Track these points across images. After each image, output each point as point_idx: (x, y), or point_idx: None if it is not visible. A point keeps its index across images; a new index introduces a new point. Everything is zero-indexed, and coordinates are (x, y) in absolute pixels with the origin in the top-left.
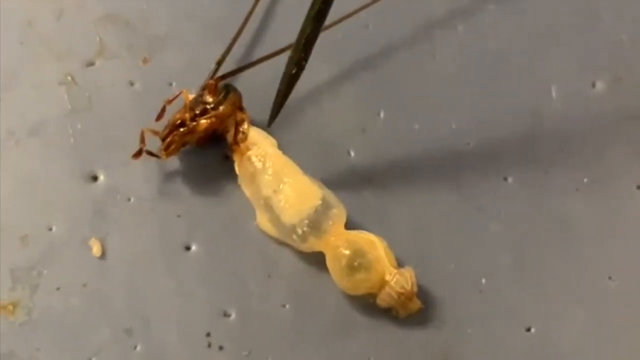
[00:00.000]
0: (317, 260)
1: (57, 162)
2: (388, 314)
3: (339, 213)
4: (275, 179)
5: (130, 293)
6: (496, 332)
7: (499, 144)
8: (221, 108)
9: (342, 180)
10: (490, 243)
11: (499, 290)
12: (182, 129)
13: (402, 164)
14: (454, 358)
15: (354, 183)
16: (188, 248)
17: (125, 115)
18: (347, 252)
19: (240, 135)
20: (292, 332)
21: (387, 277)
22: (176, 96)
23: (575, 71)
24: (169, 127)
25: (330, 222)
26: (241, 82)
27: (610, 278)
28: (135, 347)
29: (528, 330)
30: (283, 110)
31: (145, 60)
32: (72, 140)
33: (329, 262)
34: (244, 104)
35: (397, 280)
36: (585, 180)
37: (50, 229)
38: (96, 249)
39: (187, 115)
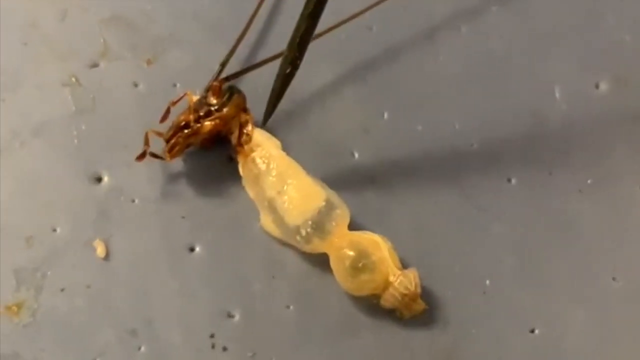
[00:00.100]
0: (321, 261)
1: (61, 163)
2: (392, 315)
3: (342, 214)
4: (279, 180)
5: (135, 294)
6: (500, 333)
7: (502, 144)
8: (225, 110)
9: (346, 181)
10: (494, 244)
11: (502, 291)
12: (186, 131)
13: (406, 164)
14: (458, 359)
15: (357, 184)
16: (192, 249)
17: (129, 116)
18: (351, 253)
19: (244, 137)
20: (296, 332)
21: (391, 278)
22: (180, 98)
23: (579, 72)
24: (173, 129)
25: (334, 223)
26: (245, 84)
27: (614, 279)
28: (139, 348)
29: (532, 331)
30: (287, 112)
31: (149, 62)
32: (76, 141)
33: (332, 263)
34: (248, 106)
35: (401, 281)
36: (588, 181)
37: (55, 230)
38: (100, 250)
39: (191, 117)
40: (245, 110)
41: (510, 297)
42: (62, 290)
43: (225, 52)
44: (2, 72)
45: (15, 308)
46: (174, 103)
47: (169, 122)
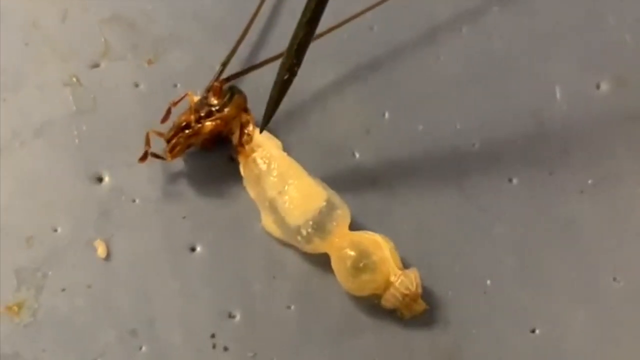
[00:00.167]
0: (322, 261)
1: (62, 163)
2: (393, 315)
3: (343, 214)
4: (280, 180)
5: (135, 294)
6: (501, 334)
7: (503, 145)
8: (226, 110)
9: (347, 181)
10: (495, 244)
11: (503, 292)
12: (187, 131)
13: (407, 165)
14: (459, 359)
15: (358, 184)
16: (193, 249)
17: (130, 116)
18: (352, 253)
19: (245, 137)
20: (297, 333)
21: (392, 278)
22: (181, 98)
23: (580, 72)
24: (174, 129)
25: (335, 223)
26: (246, 84)
27: (615, 279)
28: (140, 348)
29: (533, 331)
30: (288, 112)
31: (150, 62)
32: (77, 141)
33: (334, 263)
34: (249, 106)
35: (402, 281)
36: (589, 181)
37: (55, 230)
38: (101, 250)
39: (192, 117)
40: (246, 110)
41: (511, 297)
42: (63, 290)
43: (226, 52)
44: (3, 72)
45: (15, 308)
46: (175, 103)
47: (169, 123)
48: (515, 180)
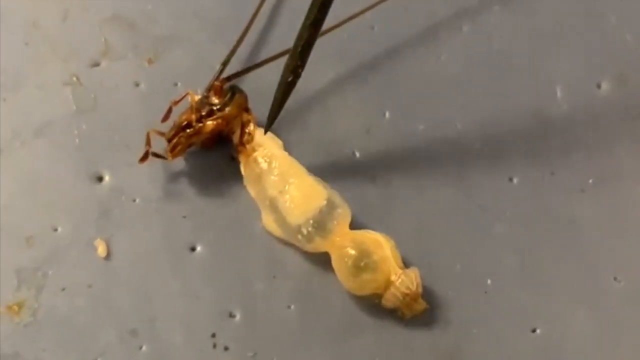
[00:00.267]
0: (322, 260)
1: (63, 163)
2: (393, 314)
3: (343, 213)
4: (281, 179)
5: (136, 294)
6: (501, 333)
7: (504, 144)
8: (227, 109)
9: (348, 181)
10: (496, 243)
11: (504, 291)
12: (188, 131)
13: (407, 164)
14: (460, 359)
15: (359, 183)
16: (193, 249)
17: (131, 115)
18: (353, 252)
19: (246, 137)
20: (297, 332)
21: (393, 278)
22: (182, 97)
23: (581, 71)
24: (174, 129)
25: (335, 222)
26: (247, 83)
27: (615, 279)
28: (140, 348)
29: (533, 331)
30: (289, 112)
31: (150, 61)
32: (77, 140)
33: (334, 263)
34: (250, 105)
35: (402, 280)
36: (590, 180)
37: (56, 230)
38: (101, 250)
39: (193, 117)
40: (247, 109)
41: (512, 296)
42: (63, 289)
43: (227, 51)
44: (3, 71)
45: (16, 308)
46: (176, 103)
47: (170, 122)
48: (515, 180)
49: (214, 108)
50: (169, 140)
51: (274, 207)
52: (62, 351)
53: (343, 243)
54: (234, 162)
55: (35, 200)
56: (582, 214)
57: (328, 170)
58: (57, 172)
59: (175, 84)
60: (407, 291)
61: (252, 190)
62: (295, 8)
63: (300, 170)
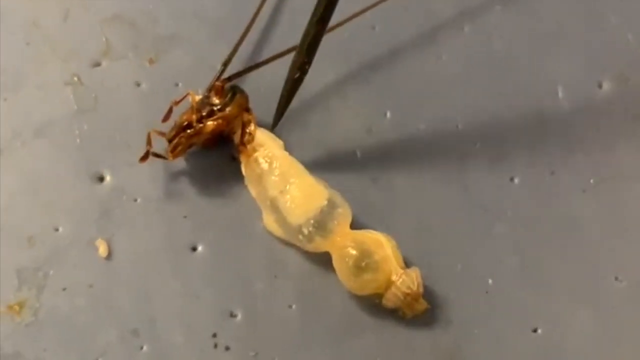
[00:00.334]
0: (323, 260)
1: (63, 163)
2: (394, 314)
3: (344, 213)
4: (282, 179)
5: (137, 293)
6: (503, 333)
7: (505, 144)
8: (228, 110)
9: (349, 181)
10: (497, 243)
11: (505, 291)
12: (188, 131)
13: (408, 164)
14: (461, 359)
15: (359, 183)
16: (194, 249)
17: (132, 115)
18: (354, 252)
19: (247, 137)
20: (298, 332)
21: (394, 278)
22: (183, 97)
23: (582, 71)
24: (175, 129)
25: (336, 222)
26: (248, 83)
27: (616, 279)
28: (141, 348)
29: (534, 331)
30: (289, 112)
31: (151, 61)
32: (78, 140)
33: (335, 263)
34: (251, 105)
35: (403, 280)
36: (591, 180)
37: (57, 230)
38: (102, 250)
39: (194, 117)
40: (247, 110)
41: (513, 296)
42: (64, 289)
43: (228, 51)
44: (4, 71)
45: (17, 307)
46: (177, 103)
47: (171, 122)
48: (517, 180)
49: (215, 108)
50: (170, 141)
51: (274, 207)
52: (63, 351)
53: (344, 243)
54: (235, 162)
55: (36, 200)
56: (583, 213)
57: (329, 170)
58: (58, 172)
59: (176, 84)
60: (408, 291)
61: (252, 190)
62: (296, 8)
63: (301, 170)
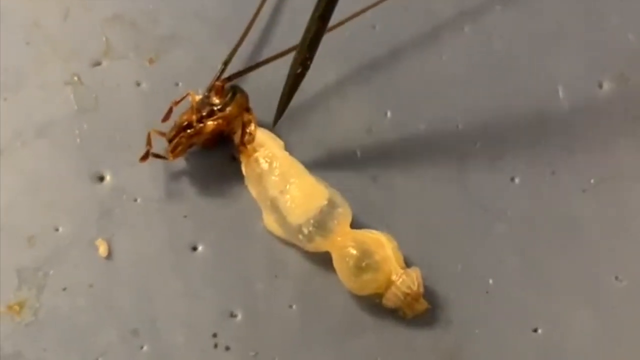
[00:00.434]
0: (323, 260)
1: (64, 163)
2: (395, 314)
3: (344, 212)
4: (282, 179)
5: (137, 293)
6: (503, 333)
7: (505, 144)
8: (228, 109)
9: (349, 180)
10: (497, 243)
11: (506, 291)
12: (188, 131)
13: (409, 164)
14: (461, 359)
15: (360, 183)
16: (195, 248)
17: (132, 115)
18: (354, 252)
19: (247, 137)
20: (299, 332)
21: (394, 278)
22: (183, 97)
23: (582, 71)
24: (175, 129)
25: (336, 222)
26: (248, 83)
27: (617, 278)
28: (141, 348)
29: (535, 331)
30: (289, 112)
31: (151, 61)
32: (78, 140)
33: (336, 262)
34: (251, 105)
35: (404, 280)
36: (592, 180)
37: (57, 230)
38: (103, 250)
39: (194, 117)
40: (248, 109)
41: (514, 296)
42: (64, 289)
43: (228, 51)
44: (5, 71)
45: (17, 307)
46: (177, 103)
47: (171, 122)
48: (517, 180)
49: (215, 108)
50: (170, 141)
51: (275, 207)
52: (63, 351)
53: (344, 243)
54: (235, 162)
55: (36, 200)
56: (584, 213)
57: (329, 170)
58: (58, 172)
59: (177, 84)
60: (409, 291)
61: (253, 190)
62: (297, 8)
63: (301, 170)
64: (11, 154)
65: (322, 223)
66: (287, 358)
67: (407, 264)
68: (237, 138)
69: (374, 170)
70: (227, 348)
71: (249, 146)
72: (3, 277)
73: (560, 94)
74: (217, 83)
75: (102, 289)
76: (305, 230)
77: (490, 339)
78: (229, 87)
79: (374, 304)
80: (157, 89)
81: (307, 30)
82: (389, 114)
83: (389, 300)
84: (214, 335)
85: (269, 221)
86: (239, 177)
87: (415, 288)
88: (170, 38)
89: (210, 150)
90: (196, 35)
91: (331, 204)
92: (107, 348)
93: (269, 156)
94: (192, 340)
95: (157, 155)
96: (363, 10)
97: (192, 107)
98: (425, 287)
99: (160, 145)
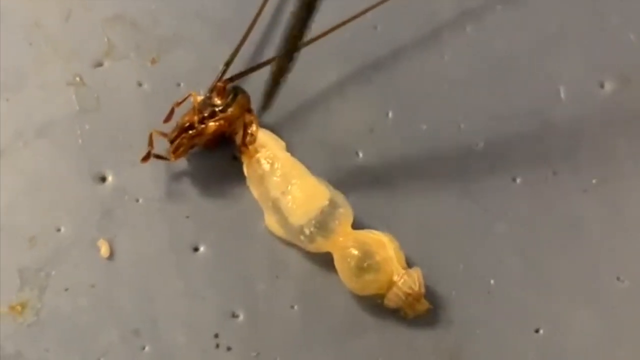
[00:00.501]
0: (325, 260)
1: (65, 163)
2: (396, 314)
3: (345, 212)
4: (284, 180)
5: (139, 294)
6: (504, 333)
7: (507, 144)
8: (229, 110)
9: (350, 181)
10: (499, 244)
11: (507, 291)
12: (190, 132)
13: (410, 164)
14: (462, 359)
15: (362, 184)
16: (196, 249)
17: (134, 115)
18: (356, 252)
19: (248, 138)
20: (300, 332)
21: (395, 278)
22: (185, 98)
23: (584, 72)
24: (177, 130)
25: (337, 222)
26: (249, 84)
27: (618, 279)
28: (143, 348)
29: (536, 331)
30: (290, 112)
31: (153, 61)
32: (80, 141)
33: (337, 263)
34: (253, 106)
35: (405, 281)
36: (593, 181)
37: (59, 230)
38: (104, 250)
39: (196, 118)
40: (249, 110)
41: (515, 297)
42: (66, 290)
43: (230, 51)
44: (6, 71)
45: (19, 308)
46: (178, 104)
47: (172, 122)
48: (519, 180)
49: (217, 109)
50: (172, 142)
51: (276, 208)
52: (64, 351)
53: (346, 243)
54: (237, 163)
55: (37, 200)
56: (585, 214)
57: (331, 171)
58: (59, 172)
59: (178, 84)
60: (410, 291)
61: (254, 191)
62: None
63: (303, 171)
64: (12, 154)
65: (323, 223)
66: (289, 358)
67: (409, 264)
68: (238, 139)
69: (376, 171)
70: (229, 348)
71: (250, 147)
72: (5, 278)
73: (562, 94)
74: (219, 84)
75: (104, 289)
76: (307, 231)
77: (491, 339)
78: (230, 88)
79: (375, 304)
80: (158, 89)
81: (292, 27)
82: (390, 114)
83: (391, 300)
84: (216, 336)
85: (271, 222)
86: (240, 177)
87: (416, 288)
88: (172, 38)
89: (212, 151)
90: (198, 35)
91: (332, 205)
92: (109, 348)
93: (270, 157)
94: (194, 340)
95: (158, 157)
96: (364, 11)
97: (193, 108)
98: (427, 287)
99: (161, 146)
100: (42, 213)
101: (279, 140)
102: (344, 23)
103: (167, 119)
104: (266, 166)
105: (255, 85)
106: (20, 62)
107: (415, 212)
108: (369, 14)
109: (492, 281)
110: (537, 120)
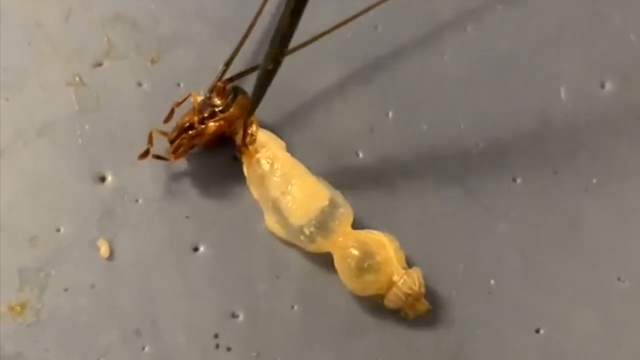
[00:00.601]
0: (325, 261)
1: (65, 163)
2: (397, 314)
3: (345, 212)
4: (284, 180)
5: (139, 294)
6: (505, 334)
7: (507, 144)
8: (230, 111)
9: (351, 181)
10: (499, 244)
11: (507, 291)
12: (190, 132)
13: (411, 164)
14: (463, 359)
15: (362, 184)
16: (196, 249)
17: (134, 115)
18: (356, 252)
19: (248, 138)
20: (300, 333)
21: (395, 278)
22: (185, 99)
23: (584, 71)
24: (177, 130)
25: (337, 222)
26: (249, 84)
27: (619, 279)
28: (143, 348)
29: (537, 331)
30: (291, 112)
31: (153, 61)
32: (80, 140)
33: (337, 263)
34: None
35: (405, 281)
36: (594, 180)
37: (59, 230)
38: (104, 250)
39: (196, 118)
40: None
41: (515, 297)
42: (66, 290)
43: (230, 51)
44: (6, 71)
45: (18, 308)
46: (178, 104)
47: (172, 123)
48: (519, 180)
49: (217, 109)
50: (172, 142)
51: (276, 208)
52: (64, 351)
53: (346, 243)
54: (237, 163)
55: (37, 200)
56: (586, 213)
57: (331, 171)
58: (59, 172)
59: (178, 84)
60: (410, 291)
61: (254, 191)
62: None
63: (303, 171)
64: (12, 154)
65: (323, 224)
66: (289, 358)
67: (409, 264)
68: (238, 139)
69: (376, 171)
70: (229, 349)
71: (250, 147)
72: (4, 278)
73: (563, 94)
74: (219, 84)
75: (104, 290)
76: (307, 231)
77: (492, 340)
78: (230, 88)
79: (375, 304)
80: (158, 89)
81: (279, 27)
82: (390, 114)
83: (391, 300)
84: (216, 336)
85: (271, 222)
86: (240, 178)
87: (416, 288)
88: (172, 38)
89: (212, 151)
90: (198, 35)
91: (333, 205)
92: (109, 348)
93: (270, 157)
94: (194, 340)
95: (158, 157)
96: (365, 11)
97: (193, 108)
98: (427, 287)
99: (161, 146)
100: (42, 213)
101: (279, 140)
102: (344, 23)
103: (167, 119)
104: (266, 166)
105: None
106: (20, 62)
107: (415, 212)
108: (369, 14)
109: (492, 281)
110: (538, 120)
